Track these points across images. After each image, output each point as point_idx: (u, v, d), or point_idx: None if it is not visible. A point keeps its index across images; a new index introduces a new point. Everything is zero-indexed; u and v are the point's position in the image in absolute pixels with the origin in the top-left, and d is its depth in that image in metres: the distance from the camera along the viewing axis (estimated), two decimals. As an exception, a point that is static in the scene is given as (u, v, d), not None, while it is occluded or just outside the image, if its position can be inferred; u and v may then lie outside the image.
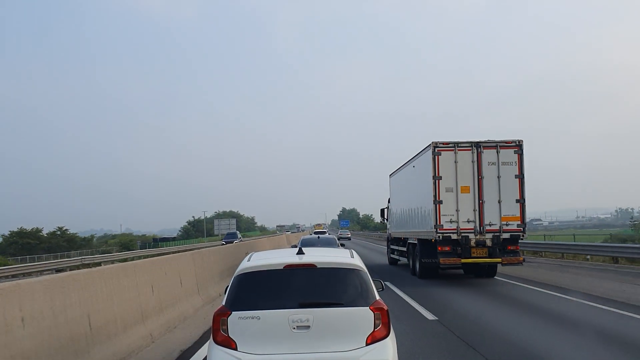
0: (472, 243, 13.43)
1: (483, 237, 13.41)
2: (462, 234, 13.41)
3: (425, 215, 14.68)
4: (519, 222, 13.47)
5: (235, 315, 4.11)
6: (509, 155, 13.52)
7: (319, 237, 17.29)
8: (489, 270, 15.08)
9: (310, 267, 4.33)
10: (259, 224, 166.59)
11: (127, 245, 68.34)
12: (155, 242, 79.61)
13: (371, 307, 4.16)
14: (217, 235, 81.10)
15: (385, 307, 4.24)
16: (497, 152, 13.53)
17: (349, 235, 71.08)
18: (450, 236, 13.45)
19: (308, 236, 19.02)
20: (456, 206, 13.51)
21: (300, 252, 4.65)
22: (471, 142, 13.63)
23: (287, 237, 45.01)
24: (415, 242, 15.85)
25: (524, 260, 14.10)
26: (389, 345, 4.13)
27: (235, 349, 4.05)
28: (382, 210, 23.74)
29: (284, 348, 4.03)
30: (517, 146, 13.56)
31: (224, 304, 4.24)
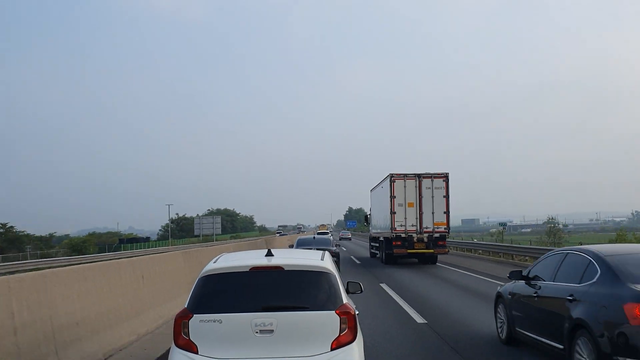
0: (415, 239, 20.56)
1: (422, 235, 20.55)
2: (408, 234, 20.51)
3: (386, 221, 21.70)
4: (445, 226, 20.66)
5: (196, 318, 4.06)
6: (439, 182, 20.67)
7: (314, 237, 18.12)
8: (432, 259, 22.10)
9: (277, 270, 4.28)
10: (258, 224, 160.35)
11: (78, 248, 58.89)
12: (121, 244, 71.55)
13: (337, 311, 4.10)
14: (198, 237, 73.76)
15: (353, 312, 4.20)
16: (432, 180, 20.67)
17: (350, 236, 74.08)
18: (400, 235, 20.55)
19: (304, 237, 19.91)
20: (405, 215, 20.61)
21: (269, 254, 4.59)
22: (415, 174, 20.75)
23: (275, 240, 39.75)
24: (382, 239, 22.90)
25: (448, 251, 21.35)
26: (355, 350, 4.09)
27: (197, 352, 4.01)
28: (366, 217, 31.03)
29: (246, 353, 3.98)
30: (445, 177, 20.74)
31: (186, 306, 4.18)
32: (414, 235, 20.54)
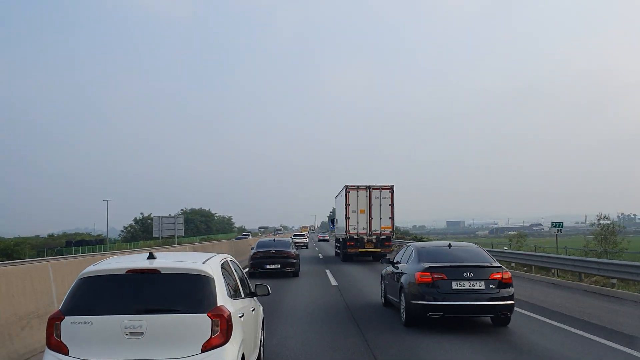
0: (365, 240, 24.65)
1: (371, 237, 24.63)
2: (360, 236, 24.59)
3: (343, 224, 25.74)
4: (390, 230, 24.81)
5: (68, 320, 4.11)
6: (386, 193, 24.80)
7: (274, 240, 19.45)
8: (380, 257, 26.11)
9: (154, 273, 4.35)
10: (238, 225, 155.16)
11: (8, 252, 52.81)
12: (69, 246, 67.83)
13: (209, 314, 4.18)
14: (158, 239, 67.25)
15: (226, 314, 4.25)
16: (380, 191, 24.78)
17: (327, 238, 76.09)
18: (353, 237, 24.62)
19: (264, 239, 20.93)
20: (357, 220, 24.69)
21: (150, 257, 4.64)
22: (366, 186, 24.84)
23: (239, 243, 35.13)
24: (341, 240, 26.91)
25: (392, 250, 25.47)
26: (227, 352, 4.17)
27: (67, 354, 4.05)
28: (331, 220, 35.06)
29: (115, 354, 4.04)
30: (391, 188, 24.87)
31: (59, 308, 4.22)
32: (365, 237, 24.59)
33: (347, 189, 24.94)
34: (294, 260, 17.96)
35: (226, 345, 4.20)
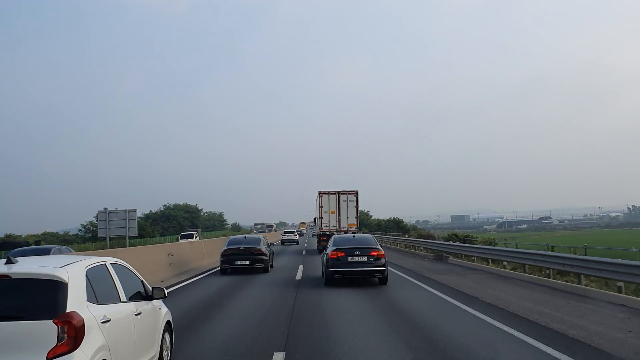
0: (335, 235, 30.53)
1: (340, 232, 30.44)
2: (331, 231, 30.39)
3: (318, 223, 31.58)
4: (356, 226, 30.67)
5: None
6: (351, 197, 30.66)
7: (245, 237, 20.00)
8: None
9: (4, 278, 4.25)
10: (230, 222, 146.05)
11: None
12: None
13: (55, 321, 4.04)
14: (104, 240, 59.55)
15: (75, 320, 4.13)
16: (347, 195, 30.62)
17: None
18: (326, 232, 30.47)
19: (236, 236, 21.37)
20: (328, 219, 30.56)
21: (9, 262, 4.53)
22: (335, 191, 30.70)
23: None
24: (317, 235, 32.80)
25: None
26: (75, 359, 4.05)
27: None
28: (315, 219, 40.87)
29: None
30: (355, 193, 30.76)
31: None
32: (335, 232, 30.41)
33: (321, 194, 30.81)
34: (264, 257, 18.65)
35: (74, 352, 4.06)
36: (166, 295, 6.14)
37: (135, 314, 5.39)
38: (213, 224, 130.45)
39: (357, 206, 30.74)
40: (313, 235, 78.97)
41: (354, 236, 15.58)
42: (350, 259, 14.27)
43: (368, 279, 15.03)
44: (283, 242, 49.81)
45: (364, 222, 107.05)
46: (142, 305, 5.71)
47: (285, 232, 53.99)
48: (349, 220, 30.60)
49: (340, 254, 14.36)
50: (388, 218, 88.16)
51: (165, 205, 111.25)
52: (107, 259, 5.41)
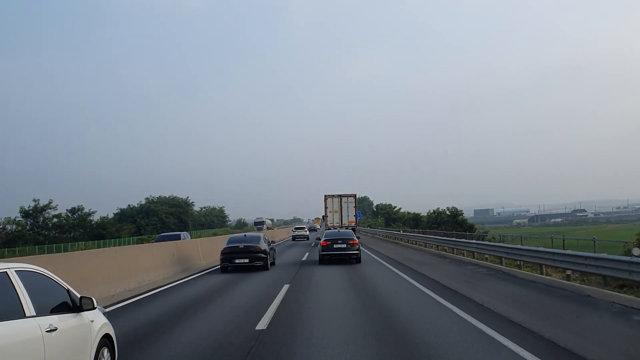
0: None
1: (342, 228, 37.56)
2: (334, 227, 37.49)
3: (325, 220, 38.72)
4: (354, 223, 37.72)
5: None
6: (351, 199, 37.80)
7: (245, 235, 20.64)
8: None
9: None
10: (232, 218, 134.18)
11: None
12: None
13: None
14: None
15: None
16: (347, 198, 37.72)
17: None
18: (330, 228, 37.48)
19: (236, 235, 21.72)
20: (333, 217, 37.70)
21: None
22: (338, 195, 37.82)
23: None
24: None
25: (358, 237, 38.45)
26: None
27: None
28: (323, 216, 48.13)
29: None
30: (354, 196, 37.89)
31: None
32: (338, 228, 37.51)
33: (326, 197, 37.93)
34: (263, 255, 18.86)
35: None
36: (95, 306, 5.44)
37: (47, 331, 4.52)
38: (210, 221, 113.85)
39: (355, 206, 37.79)
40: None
41: (338, 231, 22.73)
42: (335, 245, 21.36)
43: (347, 260, 22.11)
44: (294, 237, 54.40)
45: (391, 215, 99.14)
46: (66, 319, 4.96)
47: (296, 228, 58.56)
48: (349, 217, 37.66)
49: (328, 242, 21.47)
50: (433, 210, 67.14)
51: (147, 198, 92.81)
52: (10, 266, 4.59)
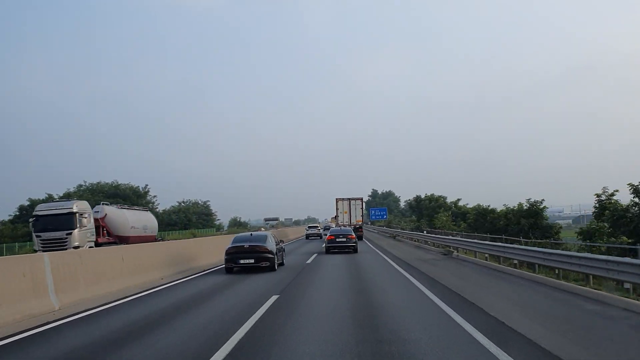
0: (348, 228, 44.30)
1: (351, 226, 44.08)
2: (345, 225, 44.07)
3: (336, 220, 45.33)
4: (361, 222, 44.10)
5: None
6: (359, 202, 44.21)
7: (251, 234, 19.69)
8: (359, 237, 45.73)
9: None
10: (254, 217, 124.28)
11: None
12: None
13: None
14: None
15: None
16: (355, 201, 44.19)
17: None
18: (341, 227, 44.04)
19: (242, 234, 20.72)
20: (343, 217, 44.12)
21: None
22: (347, 198, 44.25)
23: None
24: (336, 228, 46.67)
25: (362, 232, 44.82)
26: None
27: None
28: (335, 217, 54.90)
29: None
30: (361, 199, 44.36)
31: None
32: (348, 226, 44.06)
33: (337, 200, 44.45)
34: (269, 255, 17.90)
35: None
36: None
37: None
38: (186, 219, 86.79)
39: (362, 207, 44.24)
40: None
41: (341, 228, 29.32)
42: (337, 239, 27.75)
43: (346, 251, 28.39)
44: (307, 236, 56.39)
45: (436, 211, 68.48)
46: None
47: (310, 227, 61.03)
48: (357, 217, 44.08)
49: (332, 237, 28.03)
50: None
51: (80, 185, 71.80)
52: None
